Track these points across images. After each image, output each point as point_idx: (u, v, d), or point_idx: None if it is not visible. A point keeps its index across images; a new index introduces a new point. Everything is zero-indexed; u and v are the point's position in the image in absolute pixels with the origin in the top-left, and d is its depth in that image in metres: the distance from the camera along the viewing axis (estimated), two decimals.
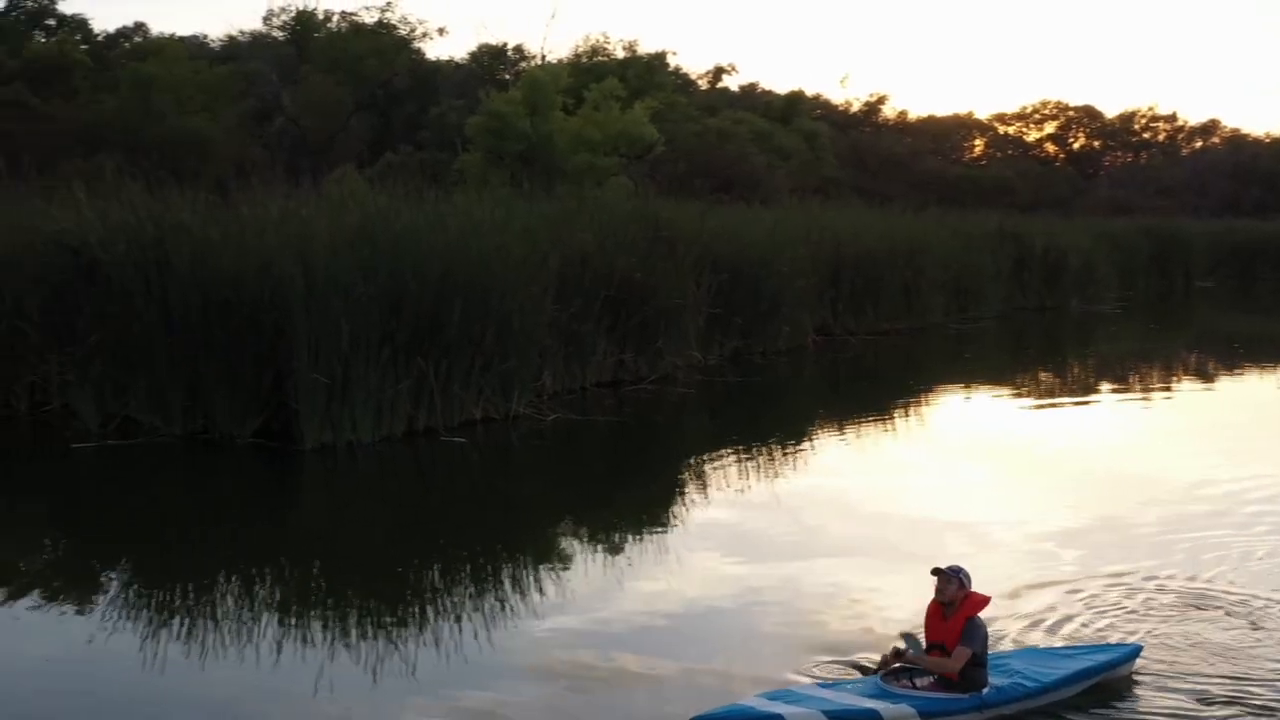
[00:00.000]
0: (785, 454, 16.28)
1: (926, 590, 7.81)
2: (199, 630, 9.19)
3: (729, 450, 16.31)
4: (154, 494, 14.07)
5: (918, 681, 7.59)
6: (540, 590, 10.19)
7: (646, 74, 45.69)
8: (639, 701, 7.78)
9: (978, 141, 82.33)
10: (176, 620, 9.50)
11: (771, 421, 18.97)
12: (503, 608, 9.73)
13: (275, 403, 15.39)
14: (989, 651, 7.74)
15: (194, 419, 15.72)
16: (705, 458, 15.83)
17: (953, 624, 7.57)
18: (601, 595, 10.06)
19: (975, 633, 7.53)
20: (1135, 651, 8.40)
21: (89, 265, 16.54)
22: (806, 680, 7.88)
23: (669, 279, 20.65)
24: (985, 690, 7.56)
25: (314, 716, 7.68)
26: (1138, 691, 8.03)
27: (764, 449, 16.55)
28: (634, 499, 14.09)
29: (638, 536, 12.15)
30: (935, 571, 7.73)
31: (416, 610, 9.88)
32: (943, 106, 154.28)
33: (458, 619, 9.46)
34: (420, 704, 7.78)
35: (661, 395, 19.98)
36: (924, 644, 7.69)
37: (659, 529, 12.39)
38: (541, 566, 11.00)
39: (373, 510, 13.55)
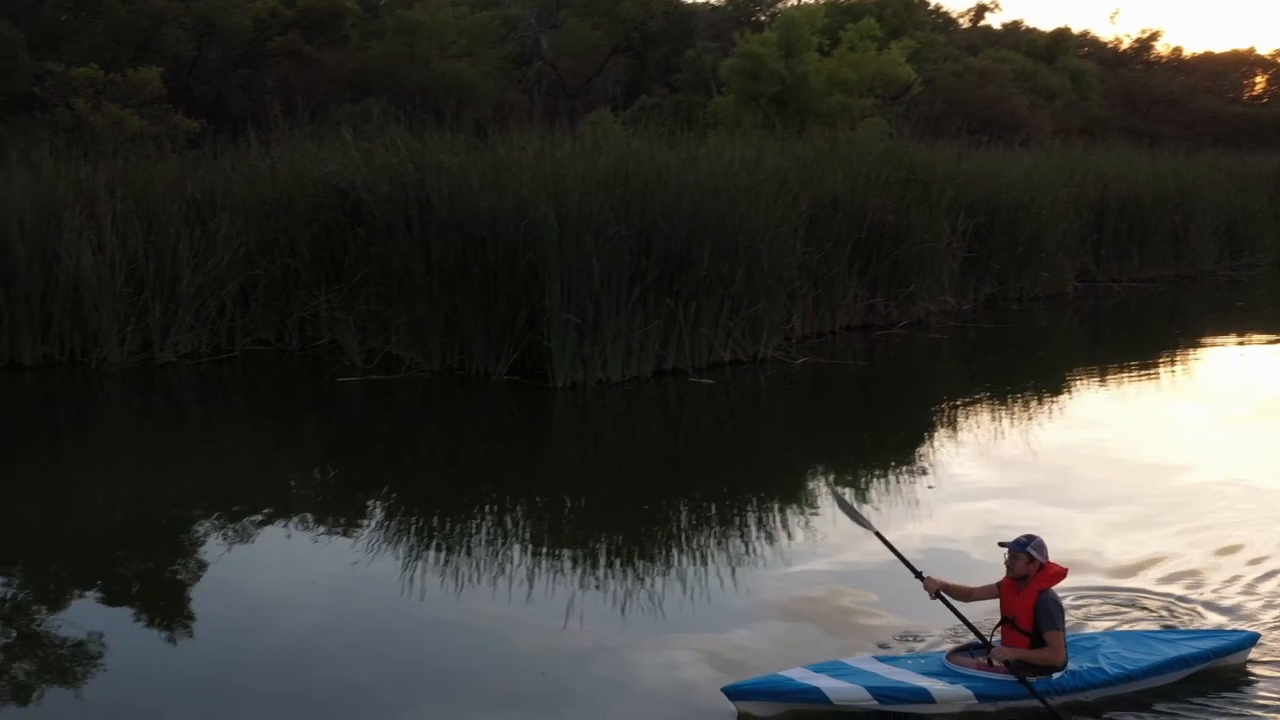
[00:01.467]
0: (1041, 404, 15.80)
1: (1181, 545, 7.47)
2: (455, 559, 9.51)
3: (982, 398, 15.95)
4: (413, 427, 14.59)
5: (995, 661, 6.99)
6: (787, 533, 10.18)
7: (904, 13, 44.67)
8: (882, 646, 7.68)
9: (1258, 79, 77.69)
10: (433, 549, 9.85)
11: (1027, 370, 18.45)
12: (748, 549, 9.75)
13: (528, 341, 15.75)
14: (1076, 631, 7.22)
15: (451, 355, 16.23)
16: (957, 405, 15.50)
17: (1025, 597, 6.98)
18: (848, 540, 9.96)
19: (1049, 607, 6.91)
20: (1249, 640, 7.54)
21: (355, 206, 17.20)
22: (865, 652, 7.44)
23: (922, 221, 20.23)
24: (1057, 674, 6.94)
25: (565, 648, 7.84)
26: (1249, 683, 7.32)
27: (1019, 398, 16.11)
28: (882, 445, 13.90)
29: (885, 482, 12.00)
30: (1003, 545, 7.15)
31: (663, 548, 9.99)
32: (1221, 42, 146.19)
33: (704, 559, 9.52)
34: (668, 640, 7.87)
35: (913, 340, 19.64)
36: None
37: (907, 475, 12.20)
38: (788, 509, 10.97)
39: (621, 449, 13.76)
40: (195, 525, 10.65)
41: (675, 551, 9.87)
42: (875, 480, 12.10)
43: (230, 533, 10.36)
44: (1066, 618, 7.25)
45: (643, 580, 9.01)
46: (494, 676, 7.42)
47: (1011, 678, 6.87)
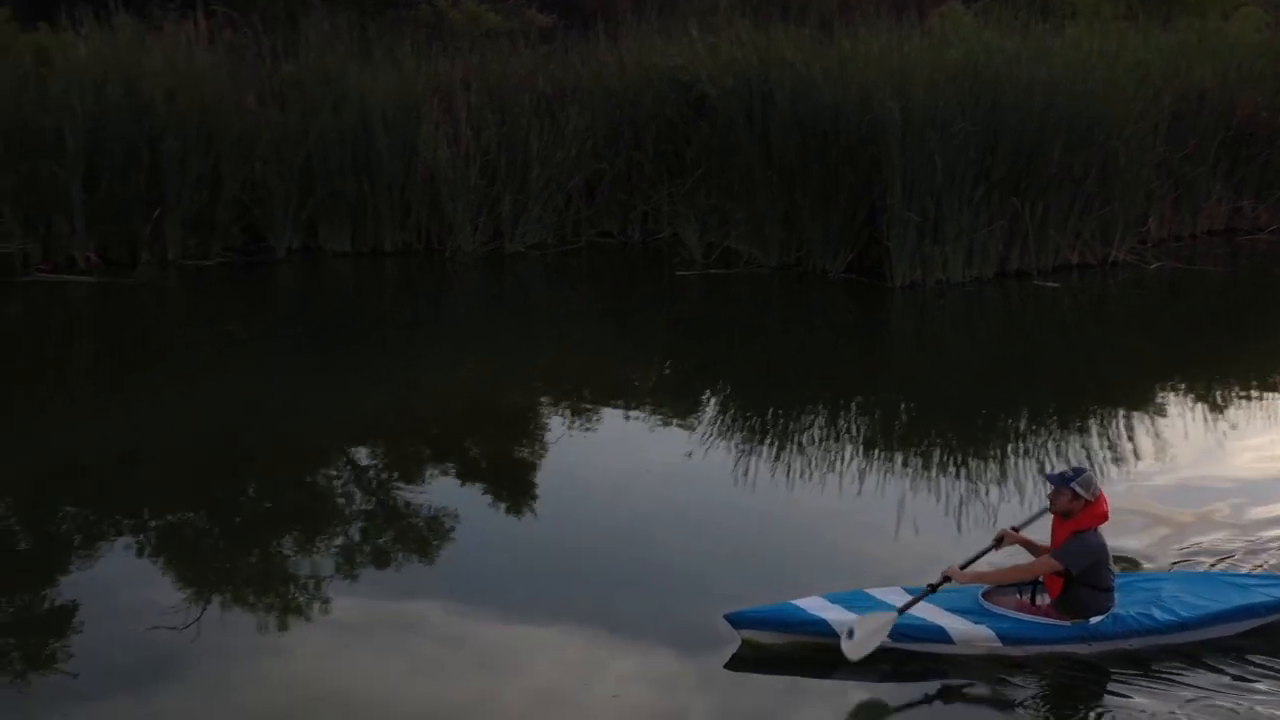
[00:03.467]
0: None
1: None
2: (787, 454, 9.58)
3: None
4: (751, 322, 14.69)
5: (1039, 600, 6.40)
6: (1133, 445, 9.78)
7: None
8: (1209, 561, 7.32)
9: None
10: (766, 443, 9.95)
11: None
12: (1090, 459, 9.40)
13: (866, 238, 15.54)
14: (1132, 571, 6.68)
15: (789, 251, 16.19)
16: None
17: (1058, 534, 6.34)
18: (1199, 455, 9.51)
19: (1075, 546, 6.23)
20: None
21: (698, 100, 17.29)
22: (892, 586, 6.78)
23: None
24: (1096, 619, 6.25)
25: (902, 553, 7.73)
26: None
27: None
28: (1242, 356, 13.11)
29: (1244, 396, 11.34)
30: (1047, 477, 6.49)
31: (1000, 454, 9.76)
32: None
33: (1043, 468, 9.24)
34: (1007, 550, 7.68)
35: None
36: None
37: (1268, 390, 11.48)
38: (1135, 419, 10.52)
39: (960, 350, 13.48)
40: (540, 409, 11.11)
41: (1012, 458, 9.63)
42: (1233, 393, 11.45)
43: (572, 417, 10.75)
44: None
45: (977, 487, 8.83)
46: (822, 574, 7.41)
47: (1041, 619, 6.35)
